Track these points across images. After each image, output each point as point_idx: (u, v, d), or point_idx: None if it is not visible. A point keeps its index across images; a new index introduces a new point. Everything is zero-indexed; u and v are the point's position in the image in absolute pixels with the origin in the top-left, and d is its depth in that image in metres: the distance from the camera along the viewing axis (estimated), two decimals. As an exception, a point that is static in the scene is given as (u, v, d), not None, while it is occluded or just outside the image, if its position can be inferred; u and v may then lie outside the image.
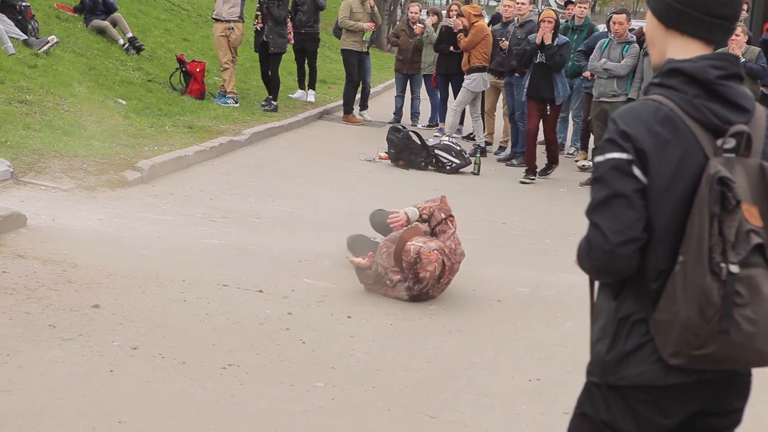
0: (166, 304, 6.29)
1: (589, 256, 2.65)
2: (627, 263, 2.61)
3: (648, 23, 2.85)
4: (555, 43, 12.09)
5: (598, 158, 2.67)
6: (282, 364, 5.51)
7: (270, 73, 15.93)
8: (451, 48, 15.19)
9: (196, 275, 6.97)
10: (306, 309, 6.52)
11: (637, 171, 2.61)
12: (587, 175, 12.73)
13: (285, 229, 8.70)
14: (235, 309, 6.36)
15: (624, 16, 12.34)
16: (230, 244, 7.98)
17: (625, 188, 2.60)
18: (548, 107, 12.42)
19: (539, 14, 12.95)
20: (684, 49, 2.73)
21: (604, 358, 2.73)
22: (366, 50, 16.54)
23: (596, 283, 2.84)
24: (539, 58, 12.14)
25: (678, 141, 2.62)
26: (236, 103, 15.34)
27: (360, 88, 17.24)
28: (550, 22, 12.04)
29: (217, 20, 15.38)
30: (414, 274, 6.86)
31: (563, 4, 18.43)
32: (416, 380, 5.51)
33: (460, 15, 14.48)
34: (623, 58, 11.98)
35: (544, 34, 11.95)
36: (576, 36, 13.98)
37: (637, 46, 12.00)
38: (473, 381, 5.59)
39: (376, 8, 16.64)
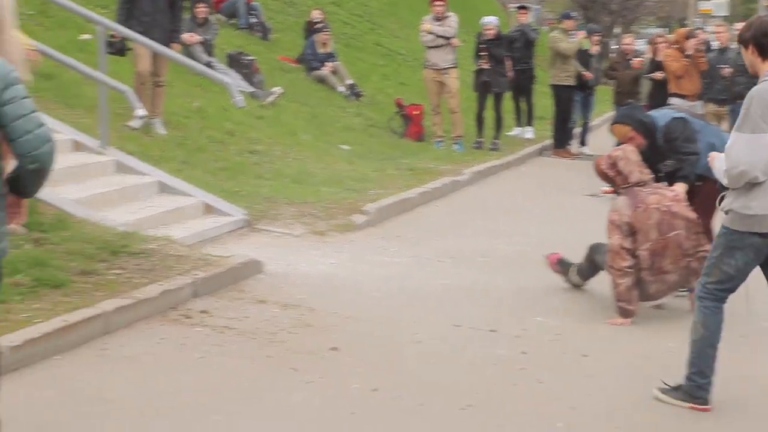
0: (401, 346, 6.35)
1: None
2: None
3: None
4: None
5: None
6: (519, 404, 5.46)
7: (495, 113, 16.01)
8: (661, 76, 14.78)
9: (428, 316, 7.02)
10: (540, 348, 6.45)
11: None
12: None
13: (513, 268, 8.66)
14: (469, 349, 6.35)
15: None
16: (459, 284, 8.00)
17: None
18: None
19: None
20: None
21: None
22: (576, 84, 16.35)
23: None
24: None
25: None
26: (459, 146, 15.45)
27: (580, 123, 17.11)
28: (631, 138, 7.62)
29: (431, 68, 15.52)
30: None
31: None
32: (661, 417, 5.35)
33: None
34: None
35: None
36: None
37: None
38: (721, 420, 5.37)
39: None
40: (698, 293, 5.50)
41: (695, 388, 5.45)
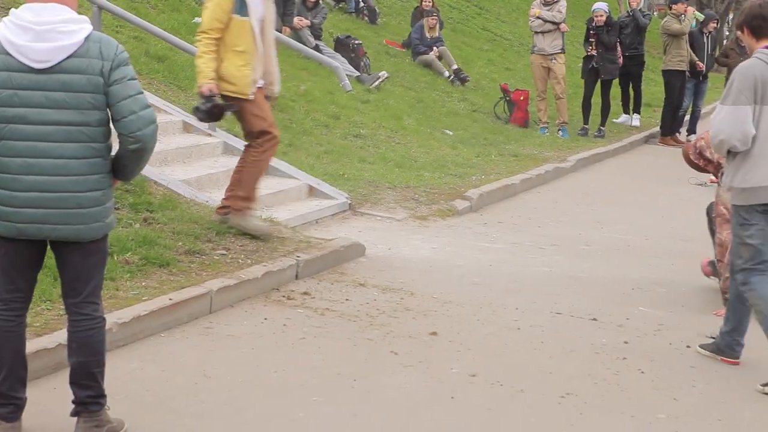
0: (501, 332, 6.35)
1: None
2: None
3: None
4: None
5: None
6: (621, 394, 5.41)
7: (602, 100, 15.82)
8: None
9: (528, 303, 6.99)
10: (642, 338, 6.38)
11: None
12: None
13: (615, 256, 8.57)
14: (569, 337, 6.31)
15: None
16: (560, 271, 7.95)
17: None
18: None
19: None
20: None
21: None
22: (691, 71, 16.04)
23: None
24: None
25: None
26: (564, 133, 15.31)
27: (690, 111, 16.78)
28: None
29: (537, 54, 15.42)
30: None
31: None
32: (765, 411, 5.25)
33: None
34: None
35: None
36: None
37: None
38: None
39: None
40: (740, 281, 5.71)
41: None
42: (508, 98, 15.92)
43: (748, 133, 5.47)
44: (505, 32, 22.71)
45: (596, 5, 15.97)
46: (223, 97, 7.22)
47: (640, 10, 16.87)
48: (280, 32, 11.11)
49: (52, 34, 4.01)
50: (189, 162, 9.03)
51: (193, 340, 5.76)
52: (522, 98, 15.83)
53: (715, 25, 16.95)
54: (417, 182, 10.45)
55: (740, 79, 5.52)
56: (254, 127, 7.33)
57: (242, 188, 7.40)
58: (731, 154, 5.60)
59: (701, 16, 16.24)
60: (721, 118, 5.54)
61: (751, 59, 5.62)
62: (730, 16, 34.41)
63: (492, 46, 20.96)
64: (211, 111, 7.13)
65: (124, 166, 4.25)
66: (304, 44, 13.20)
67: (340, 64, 13.56)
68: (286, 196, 9.05)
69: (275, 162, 9.62)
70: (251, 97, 7.24)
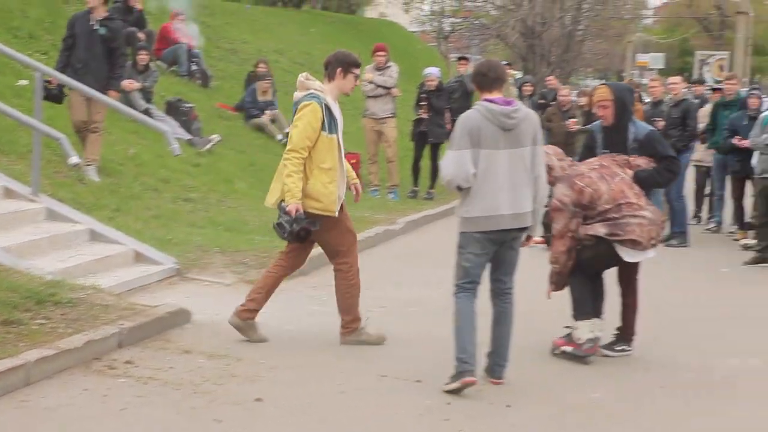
0: (326, 397, 6.37)
1: None
2: None
3: None
4: (630, 135, 7.58)
5: None
6: (443, 456, 5.49)
7: (431, 162, 16.11)
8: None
9: (355, 366, 7.05)
10: (465, 399, 6.49)
11: None
12: (750, 255, 12.33)
13: (444, 317, 8.64)
14: (394, 400, 6.38)
15: None
16: (388, 333, 8.02)
17: None
18: None
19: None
20: None
21: None
22: None
23: None
24: None
25: None
26: (395, 195, 15.55)
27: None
28: (604, 106, 7.56)
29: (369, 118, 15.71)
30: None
31: (720, 80, 18.13)
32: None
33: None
34: (786, 132, 11.68)
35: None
36: (728, 112, 13.72)
37: (799, 119, 11.73)
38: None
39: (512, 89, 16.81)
40: (453, 290, 6.77)
41: (461, 364, 6.50)
42: (340, 161, 16.07)
43: (468, 173, 6.38)
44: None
45: (428, 70, 16.40)
46: (307, 214, 7.23)
47: (468, 75, 17.36)
48: (107, 95, 10.94)
49: None
50: (10, 228, 8.80)
51: (8, 415, 5.59)
52: (353, 161, 15.99)
53: (530, 88, 17.55)
54: (247, 246, 10.42)
55: (459, 128, 6.45)
56: (337, 245, 7.54)
57: (350, 314, 7.62)
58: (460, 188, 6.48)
59: (518, 74, 16.93)
60: (448, 161, 6.48)
61: (471, 110, 6.53)
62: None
63: (325, 109, 21.14)
64: (299, 233, 7.23)
65: None
66: (134, 107, 13.07)
67: (171, 127, 13.51)
68: (111, 262, 8.91)
69: (101, 228, 9.47)
70: (336, 214, 7.31)
